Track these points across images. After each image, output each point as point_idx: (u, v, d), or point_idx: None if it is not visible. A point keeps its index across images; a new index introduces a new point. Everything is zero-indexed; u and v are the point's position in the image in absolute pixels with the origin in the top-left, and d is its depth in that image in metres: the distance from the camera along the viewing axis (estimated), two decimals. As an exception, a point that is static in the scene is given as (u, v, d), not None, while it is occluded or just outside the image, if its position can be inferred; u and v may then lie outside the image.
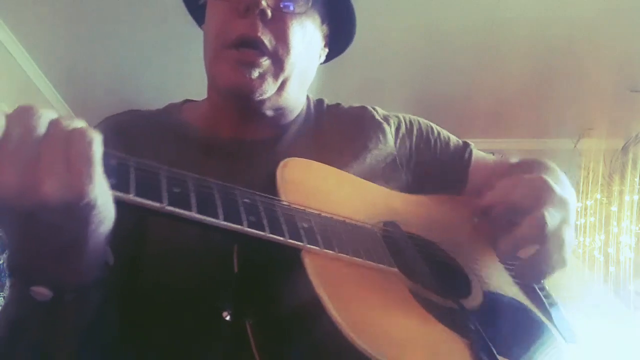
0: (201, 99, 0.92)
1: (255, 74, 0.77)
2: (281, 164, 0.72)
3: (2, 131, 0.41)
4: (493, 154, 1.05)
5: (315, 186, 0.73)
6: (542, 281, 0.78)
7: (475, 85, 3.15)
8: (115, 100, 2.91)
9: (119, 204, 0.50)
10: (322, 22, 0.85)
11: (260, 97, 0.79)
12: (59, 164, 0.43)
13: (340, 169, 0.80)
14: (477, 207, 0.79)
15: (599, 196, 3.14)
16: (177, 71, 3.09)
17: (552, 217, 0.70)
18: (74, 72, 3.26)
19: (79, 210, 0.44)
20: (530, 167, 0.91)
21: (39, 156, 0.42)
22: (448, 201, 0.91)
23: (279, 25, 0.78)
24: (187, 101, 0.94)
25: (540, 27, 2.65)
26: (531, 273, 0.73)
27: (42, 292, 0.51)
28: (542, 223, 0.69)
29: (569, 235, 0.73)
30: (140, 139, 0.81)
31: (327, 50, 0.91)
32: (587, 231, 3.12)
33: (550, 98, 3.13)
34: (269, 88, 0.79)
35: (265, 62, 0.77)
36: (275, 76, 0.79)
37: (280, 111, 0.86)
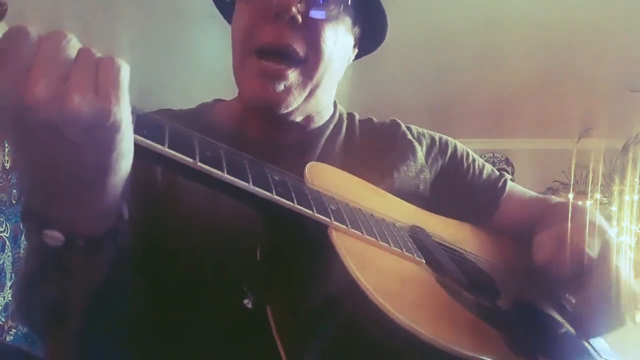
0: (232, 99, 0.91)
1: (281, 87, 0.75)
2: (309, 164, 0.71)
3: (33, 46, 0.42)
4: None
5: (342, 187, 0.72)
6: (600, 334, 0.74)
7: (475, 85, 3.15)
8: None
9: (152, 157, 0.49)
10: (354, 24, 0.84)
11: (286, 110, 0.78)
12: (87, 83, 0.44)
13: (368, 183, 0.80)
14: (536, 269, 0.77)
15: (599, 196, 3.14)
16: (177, 72, 3.08)
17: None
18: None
19: (104, 131, 0.44)
20: (567, 212, 0.89)
21: (68, 75, 0.43)
22: (477, 228, 0.92)
23: (311, 32, 0.76)
24: (218, 100, 0.93)
25: (541, 27, 2.66)
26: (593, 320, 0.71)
27: (54, 235, 0.50)
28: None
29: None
30: None
31: (357, 50, 0.90)
32: (587, 231, 3.11)
33: (550, 98, 3.13)
34: (295, 100, 0.78)
35: (292, 74, 0.75)
36: (303, 87, 0.78)
37: (309, 116, 0.86)
